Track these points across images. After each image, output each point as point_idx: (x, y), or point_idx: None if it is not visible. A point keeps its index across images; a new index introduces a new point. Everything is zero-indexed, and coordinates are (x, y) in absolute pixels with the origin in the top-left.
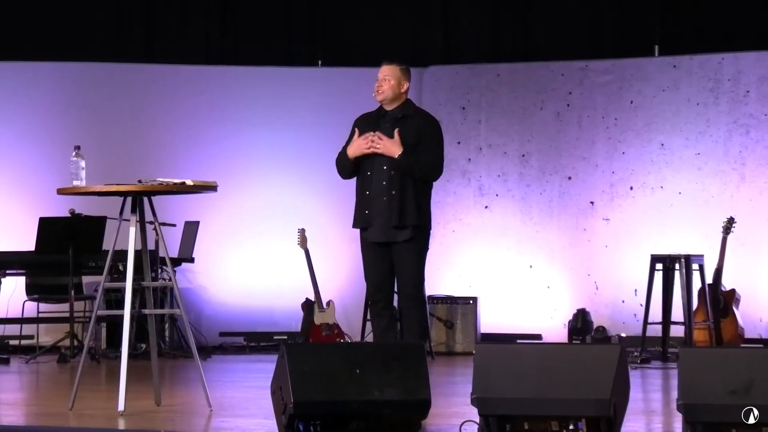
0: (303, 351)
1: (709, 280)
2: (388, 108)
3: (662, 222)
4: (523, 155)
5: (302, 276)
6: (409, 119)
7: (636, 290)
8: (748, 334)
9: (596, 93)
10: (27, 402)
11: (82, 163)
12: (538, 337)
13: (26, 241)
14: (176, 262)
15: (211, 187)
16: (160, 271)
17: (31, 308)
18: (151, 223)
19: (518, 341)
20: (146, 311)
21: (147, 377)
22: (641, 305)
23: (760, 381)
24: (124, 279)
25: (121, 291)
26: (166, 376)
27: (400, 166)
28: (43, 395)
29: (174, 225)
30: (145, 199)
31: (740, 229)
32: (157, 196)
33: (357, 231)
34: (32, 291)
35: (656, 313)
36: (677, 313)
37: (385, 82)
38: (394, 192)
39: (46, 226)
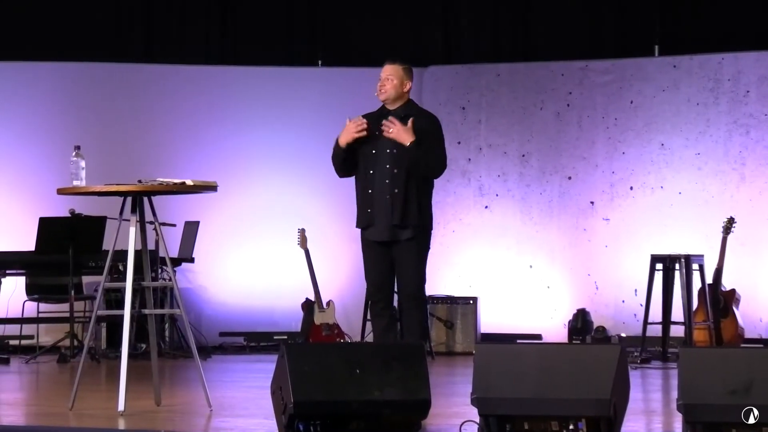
0: (303, 351)
1: (709, 280)
2: (391, 107)
3: (662, 222)
4: (523, 155)
5: (302, 276)
6: (412, 119)
7: (636, 290)
8: (748, 334)
9: (596, 93)
10: (27, 402)
11: (82, 163)
12: (538, 337)
13: (26, 241)
14: (176, 262)
15: (211, 187)
16: (160, 271)
17: (31, 308)
18: (151, 223)
19: (518, 341)
20: (146, 311)
21: (147, 377)
22: (641, 305)
23: (760, 381)
24: (124, 279)
25: (121, 291)
26: (166, 376)
27: (410, 153)
28: (43, 395)
29: (174, 225)
30: (145, 199)
31: (740, 229)
32: (157, 196)
33: (357, 231)
34: (32, 291)
35: (656, 313)
36: (677, 313)
37: (387, 81)
38: (396, 190)
39: (46, 226)
